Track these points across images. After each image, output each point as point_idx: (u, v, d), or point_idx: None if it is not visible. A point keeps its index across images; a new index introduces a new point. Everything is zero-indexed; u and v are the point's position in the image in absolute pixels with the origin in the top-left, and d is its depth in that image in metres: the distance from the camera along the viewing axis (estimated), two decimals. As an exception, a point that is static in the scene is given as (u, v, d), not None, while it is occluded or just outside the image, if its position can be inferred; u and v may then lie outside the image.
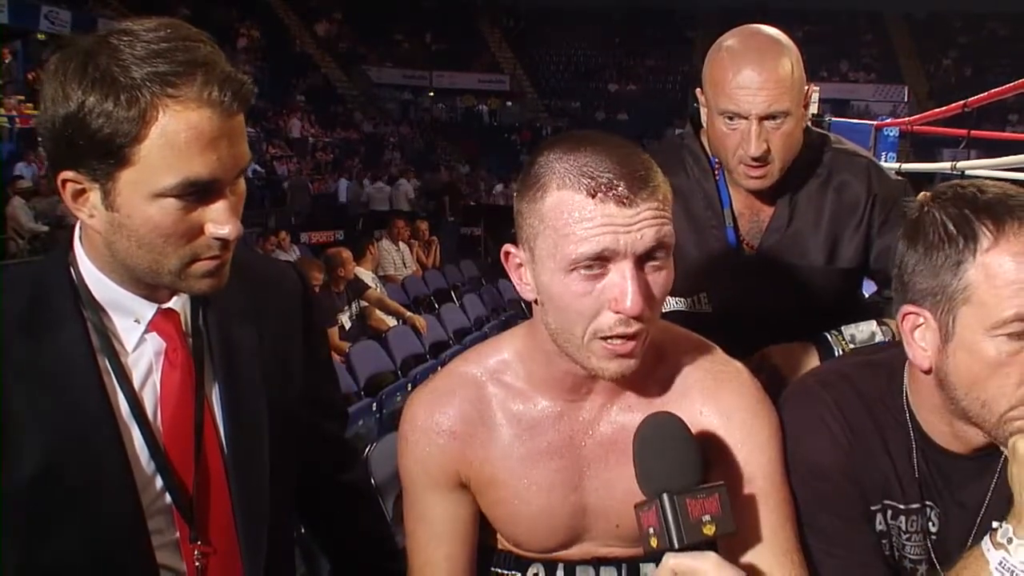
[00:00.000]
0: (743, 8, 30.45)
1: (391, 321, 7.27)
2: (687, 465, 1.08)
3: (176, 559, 1.25)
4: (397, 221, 10.39)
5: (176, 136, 1.07)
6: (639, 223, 1.09)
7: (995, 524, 1.14)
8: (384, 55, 31.29)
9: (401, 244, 9.95)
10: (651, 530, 1.06)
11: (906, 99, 28.26)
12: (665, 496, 1.05)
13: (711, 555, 1.05)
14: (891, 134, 6.58)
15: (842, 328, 1.75)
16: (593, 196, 1.09)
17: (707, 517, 1.05)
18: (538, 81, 32.91)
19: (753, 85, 1.65)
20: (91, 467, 1.17)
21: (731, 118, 1.69)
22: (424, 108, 30.51)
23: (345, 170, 21.45)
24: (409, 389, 5.42)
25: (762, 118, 1.67)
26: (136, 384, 1.22)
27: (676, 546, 1.04)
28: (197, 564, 1.26)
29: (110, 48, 1.07)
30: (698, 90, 1.80)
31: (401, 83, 31.00)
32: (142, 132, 1.06)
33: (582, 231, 1.09)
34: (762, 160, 1.70)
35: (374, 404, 5.06)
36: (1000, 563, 1.11)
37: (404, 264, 9.87)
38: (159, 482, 1.23)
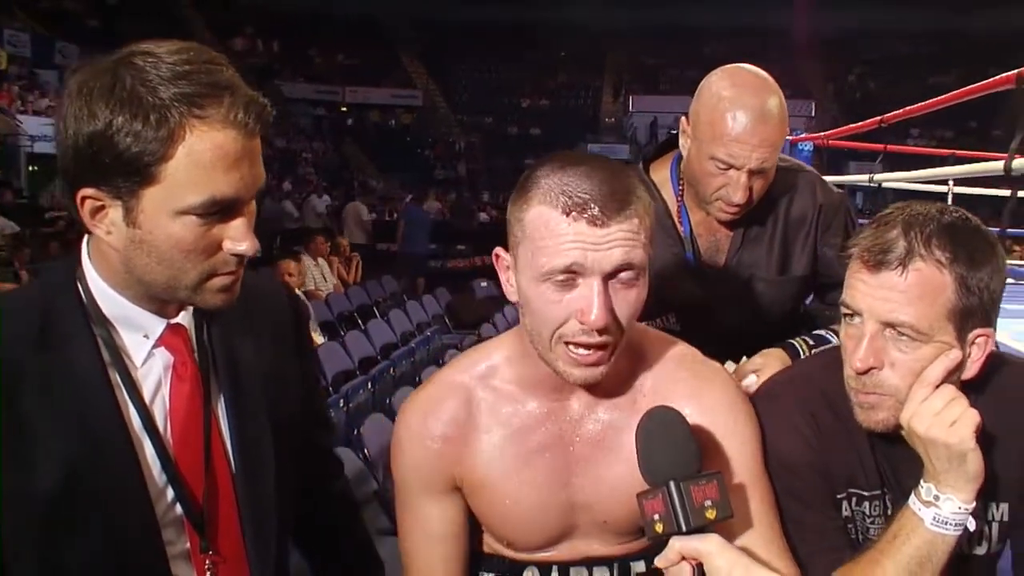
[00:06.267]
0: (654, 26, 31.21)
1: (319, 338, 7.21)
2: (688, 454, 1.16)
3: (188, 569, 1.28)
4: (317, 237, 10.26)
5: (203, 156, 1.10)
6: (609, 243, 1.18)
7: (921, 485, 1.29)
8: (297, 71, 30.88)
9: (320, 260, 9.86)
10: (656, 516, 1.14)
11: (813, 114, 29.21)
12: (672, 483, 1.13)
13: (714, 536, 1.14)
14: (806, 148, 6.83)
15: (805, 336, 1.85)
16: (567, 214, 1.18)
17: (708, 502, 1.13)
18: (451, 96, 32.89)
19: (751, 142, 1.72)
20: (107, 480, 1.19)
21: (721, 164, 1.75)
22: (337, 123, 30.18)
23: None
24: (341, 405, 5.38)
25: (752, 172, 1.75)
26: (147, 398, 1.24)
27: (683, 529, 1.12)
28: (208, 573, 1.28)
29: (135, 69, 1.10)
30: (684, 119, 1.86)
31: (314, 98, 30.65)
32: (169, 151, 1.09)
33: (554, 245, 1.18)
34: (743, 205, 1.79)
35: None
36: (934, 518, 1.27)
37: (325, 279, 9.78)
38: (170, 493, 1.25)
